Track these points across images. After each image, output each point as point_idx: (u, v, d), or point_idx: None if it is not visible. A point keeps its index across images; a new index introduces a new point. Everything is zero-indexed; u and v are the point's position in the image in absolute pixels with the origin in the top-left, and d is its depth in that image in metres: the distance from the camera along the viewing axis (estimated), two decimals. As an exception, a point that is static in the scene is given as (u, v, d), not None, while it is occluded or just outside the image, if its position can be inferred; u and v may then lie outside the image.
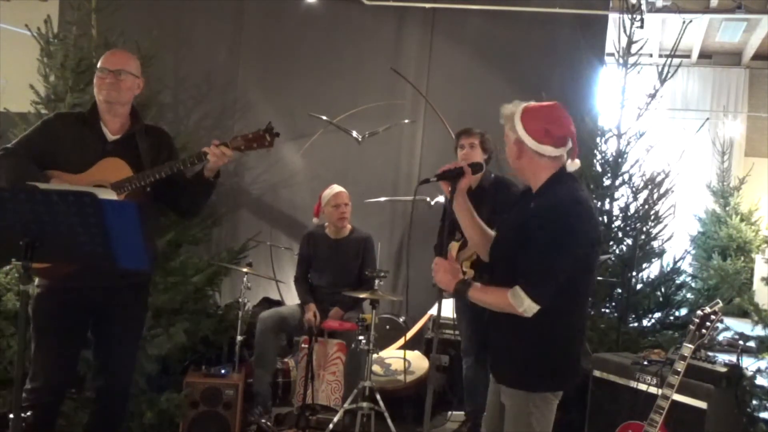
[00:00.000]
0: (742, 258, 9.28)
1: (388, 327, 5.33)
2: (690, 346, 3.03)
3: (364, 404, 3.95)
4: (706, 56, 10.46)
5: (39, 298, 2.77)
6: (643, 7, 5.59)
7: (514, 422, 2.45)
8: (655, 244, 4.63)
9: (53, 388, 2.79)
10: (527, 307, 2.27)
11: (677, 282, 4.67)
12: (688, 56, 10.17)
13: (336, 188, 4.72)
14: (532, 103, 2.45)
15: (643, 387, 3.34)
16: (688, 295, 5.03)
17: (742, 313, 4.63)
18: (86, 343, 2.97)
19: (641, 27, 4.87)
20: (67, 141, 2.86)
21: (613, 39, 4.96)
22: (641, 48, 4.76)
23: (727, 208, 9.74)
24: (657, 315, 4.53)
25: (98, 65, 2.94)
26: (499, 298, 2.33)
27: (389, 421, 3.94)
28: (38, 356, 2.77)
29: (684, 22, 5.33)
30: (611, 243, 4.60)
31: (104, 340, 2.93)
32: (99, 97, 2.90)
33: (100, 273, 2.67)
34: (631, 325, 4.42)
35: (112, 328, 2.90)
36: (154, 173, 2.81)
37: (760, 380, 3.53)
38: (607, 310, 4.53)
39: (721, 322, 3.17)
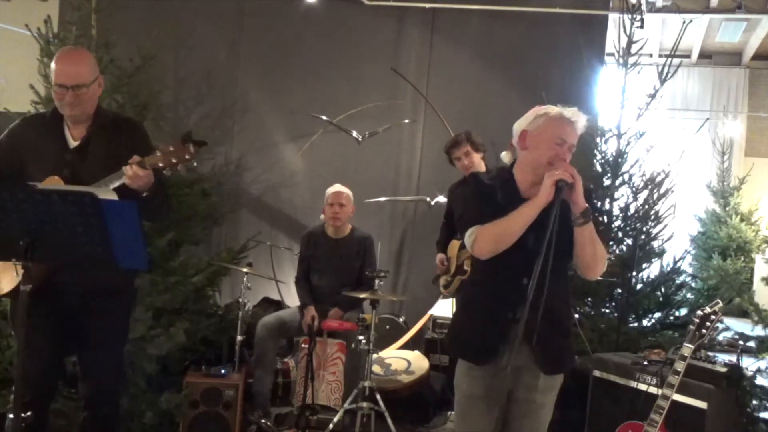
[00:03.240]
0: (742, 258, 9.27)
1: (388, 327, 5.34)
2: (690, 346, 3.03)
3: (364, 404, 3.95)
4: (706, 56, 10.45)
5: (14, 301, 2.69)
6: (643, 7, 5.58)
7: (544, 416, 2.54)
8: (655, 244, 4.63)
9: (30, 387, 2.64)
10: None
11: (677, 282, 4.67)
12: (688, 56, 10.16)
13: (337, 188, 4.71)
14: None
15: (643, 387, 3.34)
16: (688, 295, 5.03)
17: (742, 313, 4.63)
18: (71, 346, 2.88)
19: (641, 27, 4.87)
20: (30, 150, 2.74)
21: (613, 39, 4.96)
22: (641, 48, 4.76)
23: (727, 208, 9.73)
24: (657, 315, 4.52)
25: (52, 76, 2.70)
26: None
27: (389, 421, 3.95)
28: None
29: (684, 22, 5.32)
30: (611, 243, 4.60)
31: (86, 346, 2.84)
32: (61, 111, 2.73)
33: (75, 277, 2.62)
34: (631, 325, 4.42)
35: (92, 335, 2.80)
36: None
37: (760, 380, 3.53)
38: (607, 310, 4.52)
39: (721, 322, 3.17)
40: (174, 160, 2.56)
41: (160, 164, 2.56)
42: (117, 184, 2.62)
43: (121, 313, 2.91)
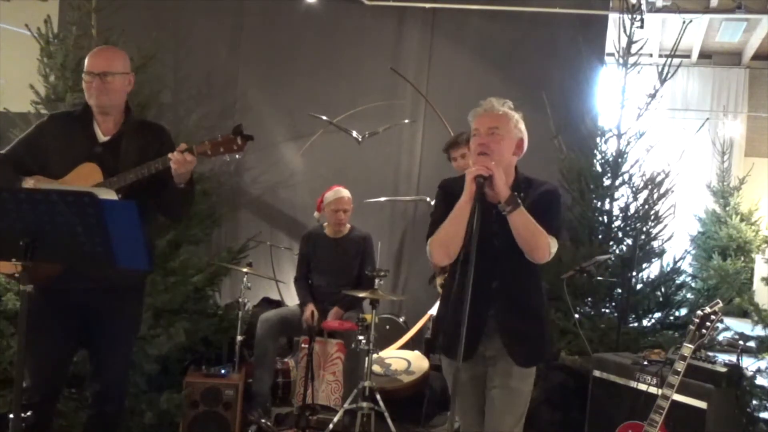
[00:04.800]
0: (742, 258, 9.27)
1: (388, 327, 5.34)
2: (690, 346, 3.03)
3: (364, 404, 3.95)
4: (706, 56, 10.45)
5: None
6: (643, 7, 5.58)
7: (521, 400, 2.62)
8: (655, 244, 4.64)
9: (40, 388, 2.74)
10: (554, 250, 2.54)
11: (677, 282, 4.68)
12: (688, 56, 10.16)
13: (340, 192, 4.70)
14: None
15: (643, 387, 3.35)
16: (688, 295, 5.03)
17: (742, 313, 4.64)
18: (78, 345, 2.92)
19: (641, 27, 4.87)
20: (57, 144, 2.81)
21: (613, 39, 4.96)
22: (641, 48, 4.76)
23: (727, 208, 9.73)
24: (657, 315, 4.53)
25: (84, 68, 2.83)
26: (541, 230, 2.49)
27: (389, 421, 3.95)
28: (26, 357, 2.71)
29: (684, 22, 5.33)
30: (611, 243, 4.60)
31: (96, 344, 2.87)
32: (90, 102, 2.83)
33: (86, 276, 2.64)
34: (631, 325, 4.42)
35: (104, 332, 2.84)
36: (120, 180, 2.71)
37: (760, 380, 3.54)
38: (607, 310, 4.53)
39: (721, 322, 3.18)
40: (222, 149, 2.71)
41: (208, 152, 2.70)
42: (147, 173, 2.70)
43: (132, 310, 2.95)
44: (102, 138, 2.85)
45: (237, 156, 2.77)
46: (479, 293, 2.39)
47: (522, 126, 2.63)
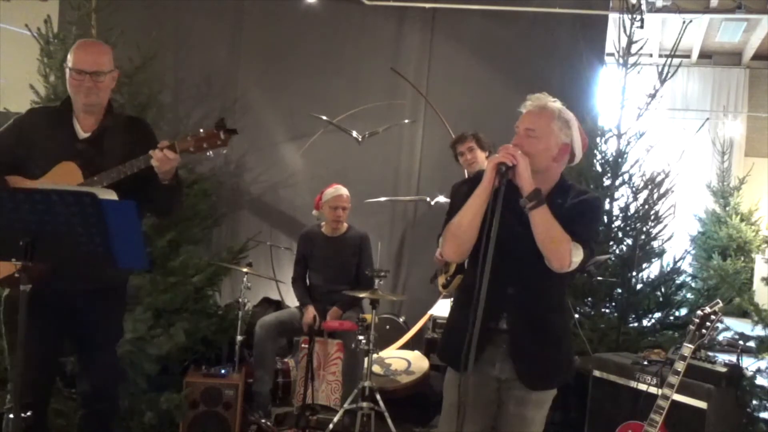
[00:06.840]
0: (742, 258, 9.28)
1: (388, 327, 5.34)
2: (690, 346, 3.03)
3: (364, 404, 3.95)
4: (706, 56, 10.46)
5: (8, 300, 2.71)
6: (643, 7, 5.58)
7: (539, 421, 2.45)
8: (655, 244, 4.63)
9: (29, 387, 2.66)
10: (578, 260, 2.30)
11: (677, 282, 4.68)
12: (688, 56, 10.16)
13: (339, 190, 4.71)
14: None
15: (643, 387, 3.35)
16: (688, 295, 5.03)
17: (742, 313, 4.63)
18: (64, 345, 2.90)
19: (641, 27, 4.87)
20: (37, 140, 2.73)
21: (613, 39, 4.96)
22: (641, 48, 4.76)
23: (727, 208, 9.74)
24: (657, 315, 4.53)
25: (70, 63, 2.71)
26: (564, 234, 2.27)
27: (389, 421, 3.95)
28: (13, 357, 2.66)
29: (684, 22, 5.33)
30: (611, 243, 4.60)
31: (83, 345, 2.86)
32: (76, 99, 2.74)
33: (72, 277, 2.62)
34: (631, 325, 4.42)
35: (88, 332, 2.82)
36: (102, 179, 2.63)
37: (760, 380, 3.53)
38: (607, 310, 4.53)
39: (721, 322, 3.17)
40: (205, 145, 2.63)
41: (191, 148, 2.62)
42: (129, 172, 2.63)
43: (116, 312, 2.94)
44: (82, 135, 2.77)
45: (223, 151, 2.71)
46: (490, 298, 2.17)
47: (571, 132, 2.40)
